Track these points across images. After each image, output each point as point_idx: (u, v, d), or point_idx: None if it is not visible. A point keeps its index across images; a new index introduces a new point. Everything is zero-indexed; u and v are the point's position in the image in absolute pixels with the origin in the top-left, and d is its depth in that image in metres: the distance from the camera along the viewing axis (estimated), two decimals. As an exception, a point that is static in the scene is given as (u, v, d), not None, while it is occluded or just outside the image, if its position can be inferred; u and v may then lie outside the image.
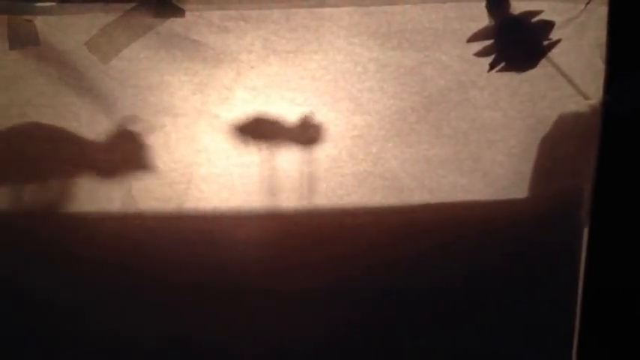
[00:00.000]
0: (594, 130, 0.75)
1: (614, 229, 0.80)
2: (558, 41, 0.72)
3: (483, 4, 0.71)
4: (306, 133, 0.74)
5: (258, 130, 0.74)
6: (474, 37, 0.71)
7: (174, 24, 0.70)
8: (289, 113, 0.74)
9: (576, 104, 0.74)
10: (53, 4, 0.69)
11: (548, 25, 0.71)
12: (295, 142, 0.74)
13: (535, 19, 0.71)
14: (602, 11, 0.72)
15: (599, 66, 0.73)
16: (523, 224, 0.78)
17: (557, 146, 0.75)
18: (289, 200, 0.76)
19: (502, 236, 0.78)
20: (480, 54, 0.72)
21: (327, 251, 0.77)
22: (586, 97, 0.74)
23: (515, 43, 0.72)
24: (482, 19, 0.71)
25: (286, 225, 0.76)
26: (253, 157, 0.75)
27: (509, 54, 0.72)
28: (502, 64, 0.72)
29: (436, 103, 0.74)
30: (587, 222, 0.78)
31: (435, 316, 0.80)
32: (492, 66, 0.72)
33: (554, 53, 0.73)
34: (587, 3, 0.71)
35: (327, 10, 0.70)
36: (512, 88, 0.74)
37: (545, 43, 0.72)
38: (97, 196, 0.74)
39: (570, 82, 0.73)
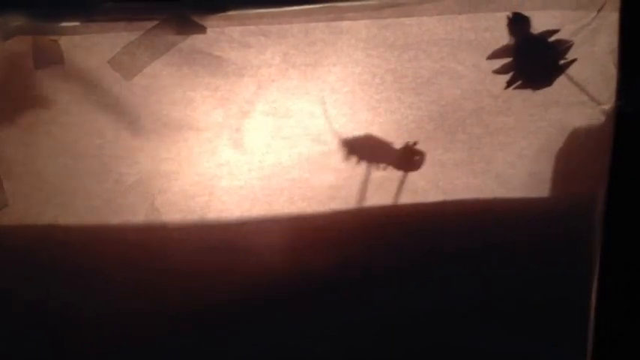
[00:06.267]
0: (607, 135, 0.76)
1: (629, 231, 0.82)
2: (574, 61, 0.73)
3: (498, 15, 0.72)
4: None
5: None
6: (494, 55, 0.72)
7: (196, 41, 0.71)
8: (309, 125, 0.75)
9: (589, 109, 0.75)
10: (77, 23, 0.69)
11: (566, 44, 0.72)
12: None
13: (552, 39, 0.72)
14: (613, 17, 0.73)
15: (612, 71, 0.74)
16: (535, 224, 0.79)
17: (571, 150, 0.77)
18: (309, 208, 0.77)
19: (515, 234, 0.79)
20: (499, 71, 0.73)
21: (347, 252, 0.78)
22: (599, 103, 0.75)
23: (533, 62, 0.73)
24: (497, 30, 0.72)
25: (306, 230, 0.77)
26: (274, 169, 0.76)
27: (526, 72, 0.73)
28: (519, 82, 0.74)
29: (452, 111, 0.75)
30: (600, 224, 0.79)
31: (450, 314, 0.81)
32: (509, 84, 0.74)
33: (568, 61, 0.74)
34: (599, 10, 0.72)
35: (345, 23, 0.71)
36: (525, 95, 0.75)
37: (562, 62, 0.73)
38: (121, 209, 0.75)
39: (583, 89, 0.74)
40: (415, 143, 0.75)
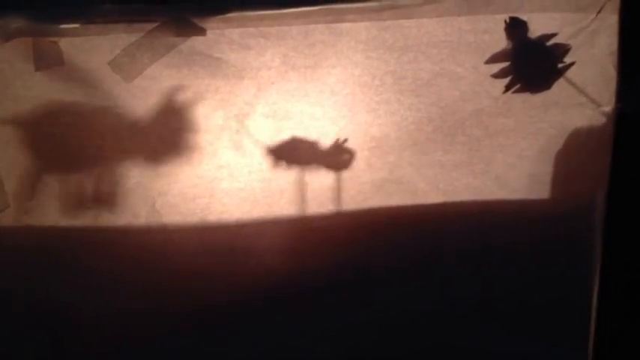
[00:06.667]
0: (607, 136, 0.76)
1: (629, 231, 0.82)
2: (572, 64, 0.73)
3: (497, 16, 0.72)
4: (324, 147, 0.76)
5: (281, 146, 0.76)
6: (492, 59, 0.73)
7: (195, 42, 0.71)
8: (309, 127, 0.75)
9: (589, 111, 0.75)
10: (77, 25, 0.69)
11: (564, 48, 0.72)
12: (315, 155, 0.76)
13: (550, 43, 0.72)
14: (613, 19, 0.73)
15: (612, 73, 0.74)
16: (536, 225, 0.79)
17: (570, 152, 0.77)
18: (309, 209, 0.77)
19: (515, 235, 0.79)
20: (497, 75, 0.73)
21: (346, 253, 0.78)
22: (599, 105, 0.75)
23: (532, 66, 0.73)
24: (496, 32, 0.72)
25: (306, 232, 0.78)
26: (274, 171, 0.76)
27: (525, 76, 0.73)
28: (517, 86, 0.74)
29: (451, 113, 0.75)
30: (600, 225, 0.79)
31: (450, 314, 0.81)
32: (508, 87, 0.74)
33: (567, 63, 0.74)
34: (598, 12, 0.72)
35: (344, 25, 0.71)
36: (524, 97, 0.75)
37: (560, 65, 0.73)
38: (123, 212, 0.76)
39: (582, 91, 0.74)
40: (345, 141, 0.75)
